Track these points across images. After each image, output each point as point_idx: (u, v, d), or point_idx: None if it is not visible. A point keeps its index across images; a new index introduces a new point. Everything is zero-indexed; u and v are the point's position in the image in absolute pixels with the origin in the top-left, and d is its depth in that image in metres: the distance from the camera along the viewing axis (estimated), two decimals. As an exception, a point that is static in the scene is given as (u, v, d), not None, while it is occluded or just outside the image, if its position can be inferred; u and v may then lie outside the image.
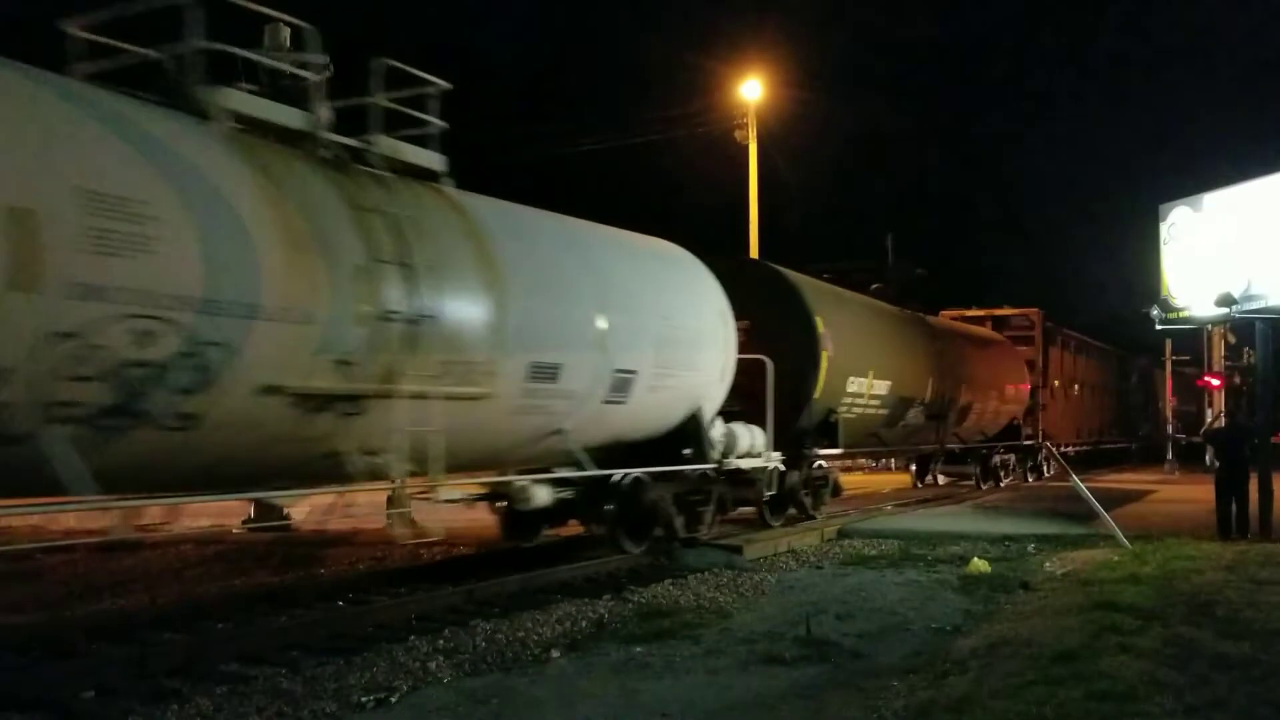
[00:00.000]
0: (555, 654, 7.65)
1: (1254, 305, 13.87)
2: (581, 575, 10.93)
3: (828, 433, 15.94)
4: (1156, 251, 15.64)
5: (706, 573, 11.25)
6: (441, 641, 7.94)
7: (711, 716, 6.21)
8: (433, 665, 7.26)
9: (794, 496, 15.30)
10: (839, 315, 16.58)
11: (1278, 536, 13.12)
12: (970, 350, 22.95)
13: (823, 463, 16.10)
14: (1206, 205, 14.95)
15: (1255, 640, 7.09)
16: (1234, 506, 13.56)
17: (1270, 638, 7.17)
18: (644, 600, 9.74)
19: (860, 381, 16.65)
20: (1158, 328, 16.25)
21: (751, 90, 27.23)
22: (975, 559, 11.72)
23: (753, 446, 13.20)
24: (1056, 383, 28.01)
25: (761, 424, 13.49)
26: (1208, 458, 22.98)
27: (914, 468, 25.09)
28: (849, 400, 16.44)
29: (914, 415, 19.31)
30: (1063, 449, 26.07)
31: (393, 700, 6.49)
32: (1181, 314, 15.39)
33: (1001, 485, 24.28)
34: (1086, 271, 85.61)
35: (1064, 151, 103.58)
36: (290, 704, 6.33)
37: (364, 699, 6.47)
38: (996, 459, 24.62)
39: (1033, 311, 26.99)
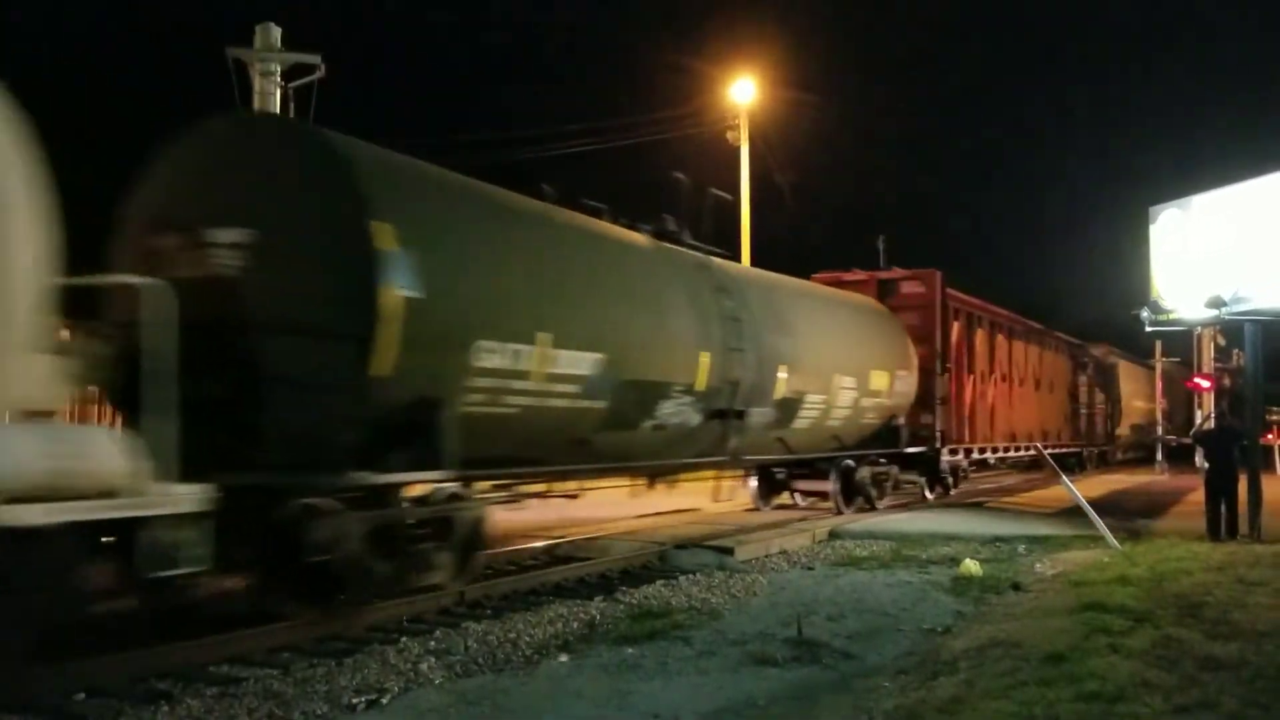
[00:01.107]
0: (547, 655, 7.66)
1: (1243, 307, 13.93)
2: (573, 576, 10.94)
3: (418, 440, 8.62)
4: (1145, 253, 15.69)
5: (698, 574, 11.27)
6: (433, 643, 7.94)
7: (703, 718, 6.22)
8: (424, 667, 7.26)
9: (318, 567, 7.95)
10: (455, 225, 9.20)
11: (1267, 538, 13.18)
12: (804, 316, 15.25)
13: (459, 489, 9.35)
14: (1195, 207, 15.01)
15: (1244, 641, 7.12)
16: (1223, 508, 13.63)
17: (1259, 639, 7.21)
18: (636, 601, 9.75)
19: (512, 351, 9.25)
20: (1147, 329, 16.31)
21: (743, 91, 27.27)
22: (966, 560, 11.75)
23: (67, 473, 6.15)
24: (970, 371, 21.56)
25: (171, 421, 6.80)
26: (1197, 459, 23.09)
27: (754, 484, 17.93)
28: (484, 382, 9.09)
29: (674, 412, 11.83)
30: (973, 455, 21.58)
31: (384, 701, 6.49)
32: (1171, 316, 15.45)
33: (879, 507, 17.55)
34: (1073, 270, 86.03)
35: (1054, 152, 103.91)
36: (281, 705, 6.33)
37: (355, 700, 6.47)
38: (866, 472, 17.26)
39: (928, 274, 19.82)
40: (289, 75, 17.52)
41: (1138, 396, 39.26)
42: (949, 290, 20.27)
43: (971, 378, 21.52)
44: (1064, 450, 28.93)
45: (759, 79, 27.74)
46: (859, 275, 20.00)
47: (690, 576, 11.09)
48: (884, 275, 20.17)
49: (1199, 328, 29.03)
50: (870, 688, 6.59)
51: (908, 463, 18.75)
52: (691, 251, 13.34)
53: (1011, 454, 24.80)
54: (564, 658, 7.58)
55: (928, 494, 19.89)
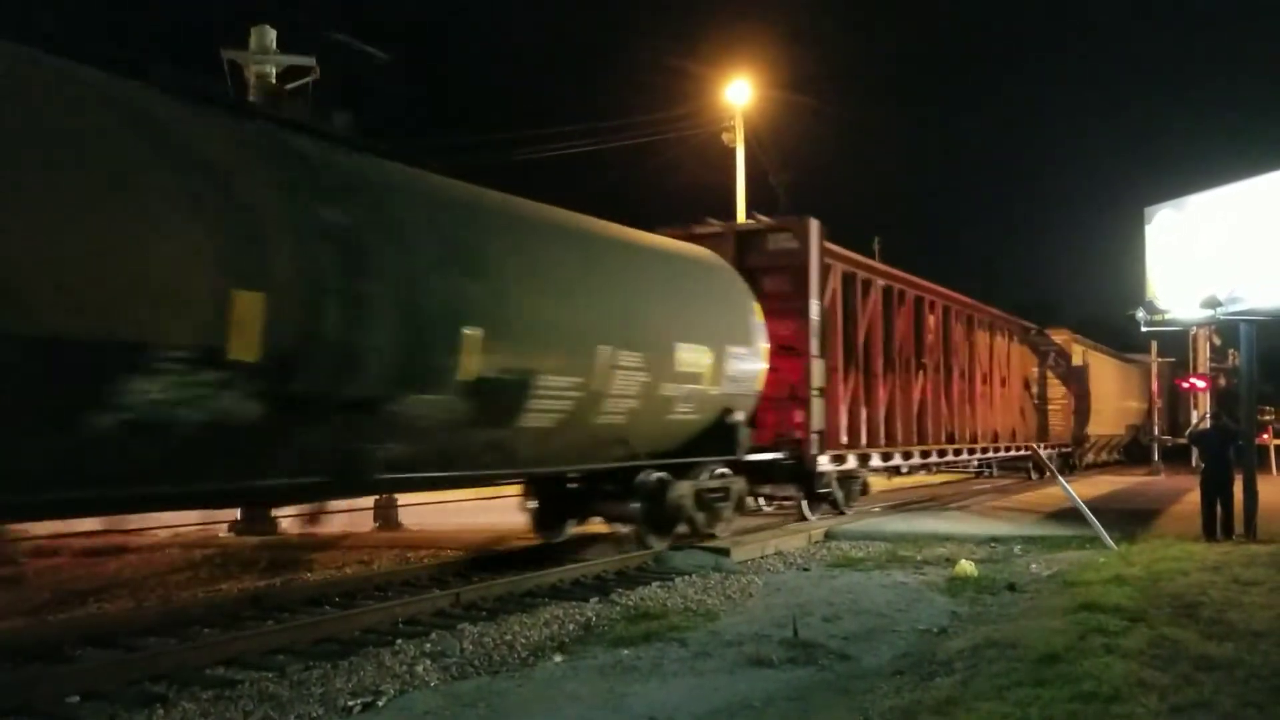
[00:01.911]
0: (542, 657, 7.65)
1: (1238, 307, 13.95)
2: (569, 578, 10.93)
3: None
4: (1141, 253, 15.70)
5: (694, 575, 11.25)
6: (429, 645, 7.93)
7: (699, 719, 6.22)
8: (420, 669, 7.25)
9: None
10: None
11: (1262, 538, 13.20)
12: (524, 252, 9.90)
13: None
14: (1191, 207, 15.03)
15: (1239, 641, 7.14)
16: (1219, 508, 13.65)
17: (1254, 638, 7.22)
18: (631, 603, 9.74)
19: None
20: (1143, 330, 16.33)
21: (739, 93, 27.26)
22: (962, 561, 11.74)
23: None
24: (886, 357, 17.81)
25: None
26: (1193, 459, 23.13)
27: (533, 506, 12.88)
28: None
29: (174, 398, 6.54)
30: (873, 463, 17.19)
31: (379, 704, 6.47)
32: (1167, 316, 15.47)
33: (717, 534, 12.98)
34: (1069, 270, 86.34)
35: (1051, 153, 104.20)
36: (277, 708, 6.32)
37: (351, 703, 6.46)
38: (686, 489, 12.41)
39: (798, 222, 15.10)
40: (284, 77, 17.52)
41: (1115, 394, 36.03)
42: (834, 247, 15.72)
43: (890, 367, 17.92)
44: (1015, 455, 25.25)
45: (755, 80, 27.75)
46: (714, 227, 15.35)
47: (686, 578, 11.08)
48: (745, 227, 15.73)
49: (1195, 328, 29.05)
50: (866, 689, 6.58)
51: (768, 475, 14.33)
52: (274, 129, 8.07)
53: (938, 460, 20.52)
54: (559, 659, 7.57)
55: (808, 513, 15.56)
